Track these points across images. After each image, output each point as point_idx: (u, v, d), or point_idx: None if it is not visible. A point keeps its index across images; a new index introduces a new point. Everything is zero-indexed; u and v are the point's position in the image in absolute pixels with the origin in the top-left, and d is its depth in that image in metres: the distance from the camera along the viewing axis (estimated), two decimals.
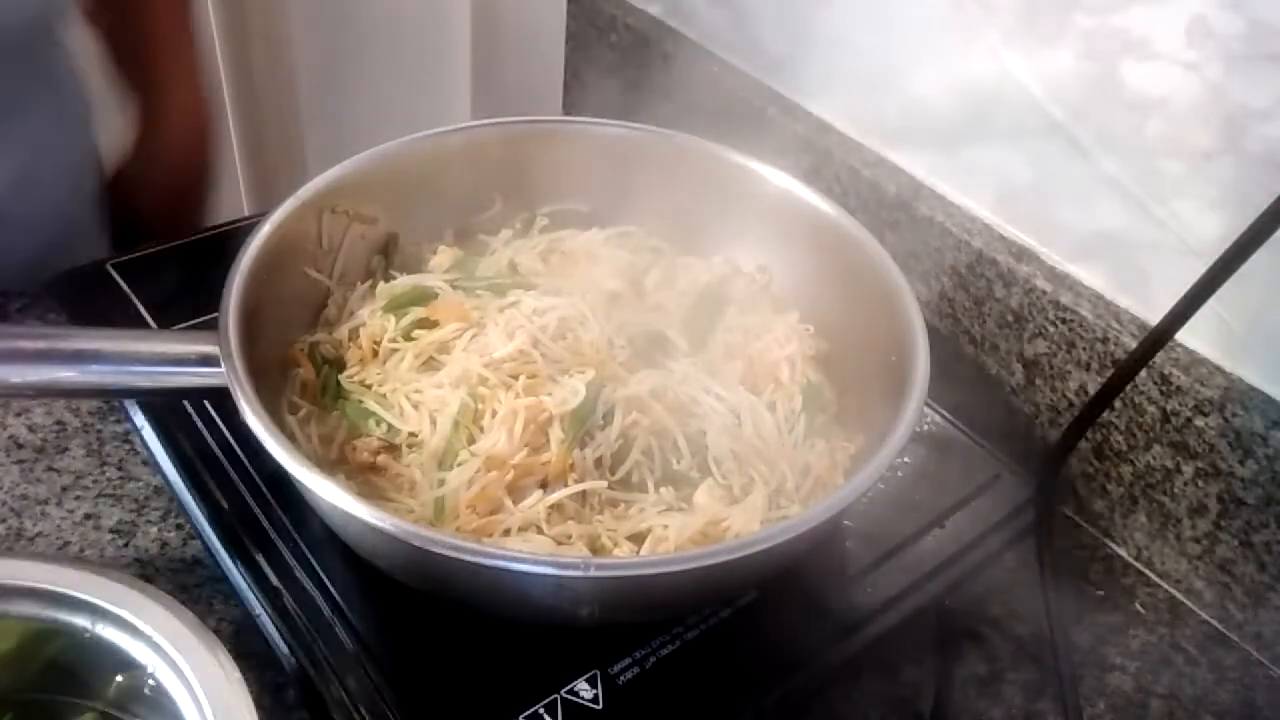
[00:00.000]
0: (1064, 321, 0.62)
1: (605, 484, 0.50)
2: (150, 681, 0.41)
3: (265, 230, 0.54)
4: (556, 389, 0.52)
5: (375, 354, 0.56)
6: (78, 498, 0.58)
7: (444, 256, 0.62)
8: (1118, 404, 0.60)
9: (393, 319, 0.57)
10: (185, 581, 0.55)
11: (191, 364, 0.49)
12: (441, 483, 0.50)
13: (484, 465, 0.49)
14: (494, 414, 0.51)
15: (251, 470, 0.55)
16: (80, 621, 0.42)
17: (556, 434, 0.50)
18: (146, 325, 0.63)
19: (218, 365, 0.47)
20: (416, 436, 0.52)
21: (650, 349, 0.57)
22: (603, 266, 0.62)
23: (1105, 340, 0.60)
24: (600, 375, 0.53)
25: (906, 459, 0.60)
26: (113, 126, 0.83)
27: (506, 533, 0.48)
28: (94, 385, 0.51)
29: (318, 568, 0.51)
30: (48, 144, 0.75)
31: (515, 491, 0.49)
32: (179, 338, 0.54)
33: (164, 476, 0.58)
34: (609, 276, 0.61)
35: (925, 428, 0.62)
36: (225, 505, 0.54)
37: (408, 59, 1.07)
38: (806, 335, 0.60)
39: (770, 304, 0.63)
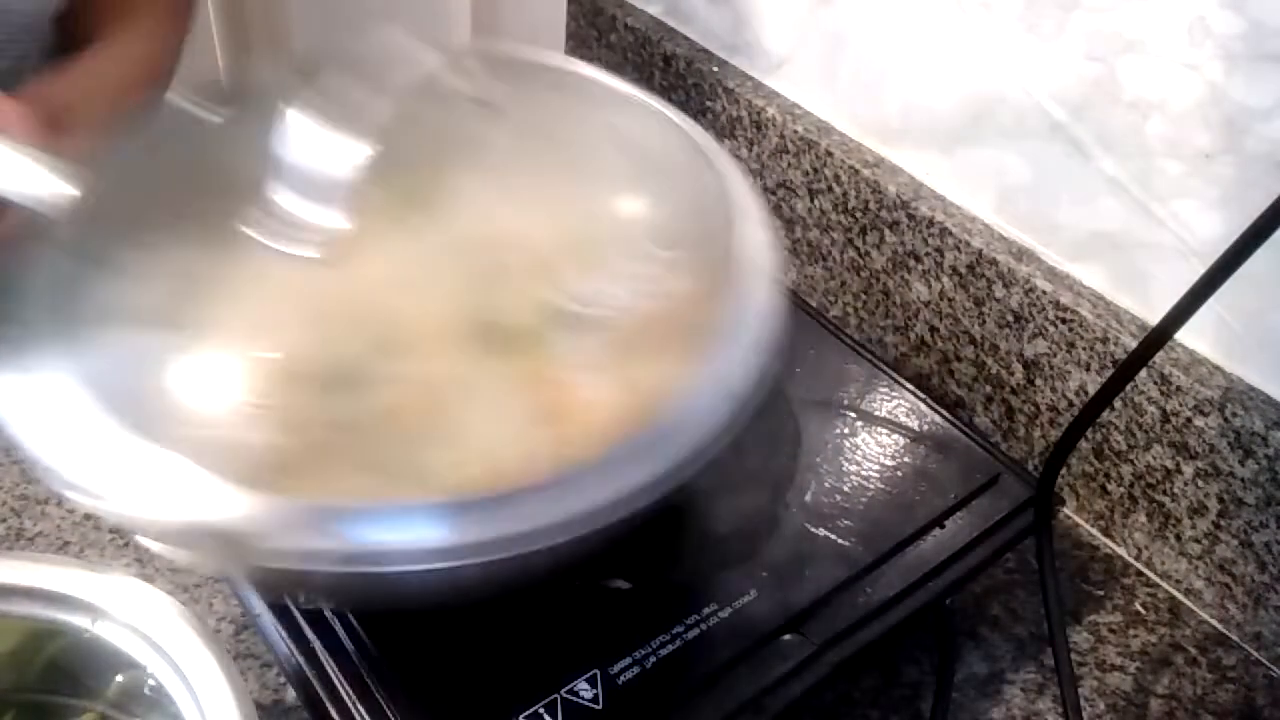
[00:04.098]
0: (1064, 321, 0.62)
1: None
2: (150, 681, 0.41)
3: None
4: None
5: None
6: None
7: None
8: (1118, 404, 0.60)
9: None
10: (185, 581, 0.55)
11: None
12: None
13: None
14: None
15: None
16: (80, 621, 0.42)
17: None
18: None
19: None
20: None
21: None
22: None
23: (1105, 340, 0.60)
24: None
25: (907, 459, 0.60)
26: None
27: None
28: None
29: None
30: None
31: None
32: None
33: None
34: None
35: (925, 427, 0.62)
36: None
37: None
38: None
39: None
